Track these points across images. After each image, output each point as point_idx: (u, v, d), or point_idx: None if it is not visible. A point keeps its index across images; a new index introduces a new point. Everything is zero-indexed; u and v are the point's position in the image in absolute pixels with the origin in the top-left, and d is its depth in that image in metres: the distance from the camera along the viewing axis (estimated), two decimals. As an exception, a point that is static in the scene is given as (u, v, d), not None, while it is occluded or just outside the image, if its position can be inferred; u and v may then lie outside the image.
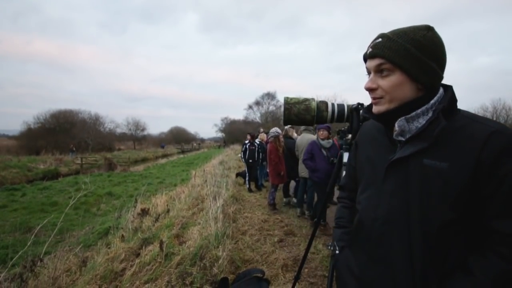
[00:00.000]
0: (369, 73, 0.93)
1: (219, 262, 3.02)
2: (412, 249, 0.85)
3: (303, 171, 5.12)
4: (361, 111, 1.09)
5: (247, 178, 8.33)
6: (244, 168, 8.97)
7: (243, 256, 3.52)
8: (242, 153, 8.46)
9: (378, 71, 0.88)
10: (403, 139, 0.90)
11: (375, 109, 0.92)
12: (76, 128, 38.49)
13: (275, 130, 5.96)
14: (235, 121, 59.99)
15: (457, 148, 0.81)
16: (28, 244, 3.00)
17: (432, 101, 0.87)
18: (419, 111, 0.87)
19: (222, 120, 64.21)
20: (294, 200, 6.20)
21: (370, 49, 0.89)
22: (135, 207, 5.81)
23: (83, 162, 24.03)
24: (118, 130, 52.27)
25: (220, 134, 66.80)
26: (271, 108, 52.38)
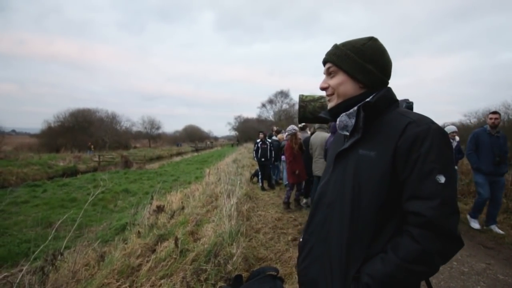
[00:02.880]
0: None
1: (233, 259, 3.04)
2: (342, 230, 0.96)
3: (317, 169, 5.08)
4: (321, 113, 1.19)
5: (260, 177, 8.34)
6: (257, 166, 8.98)
7: (257, 254, 3.53)
8: (254, 152, 8.46)
9: (328, 73, 1.07)
10: (347, 133, 1.05)
11: (329, 105, 1.09)
12: (93, 126, 39.43)
13: (291, 127, 5.88)
14: (249, 120, 60.05)
15: (383, 138, 0.93)
16: (49, 238, 3.09)
17: (368, 99, 0.98)
18: (355, 107, 1.00)
19: (236, 118, 64.42)
20: (304, 200, 6.18)
21: (324, 56, 1.09)
22: (150, 204, 5.91)
23: (101, 160, 24.60)
24: (134, 129, 53.28)
25: (233, 133, 67.05)
26: (285, 106, 52.16)
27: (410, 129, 0.89)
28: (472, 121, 20.65)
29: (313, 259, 1.06)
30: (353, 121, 1.01)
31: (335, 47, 1.06)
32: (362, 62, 1.00)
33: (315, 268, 1.04)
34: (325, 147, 4.64)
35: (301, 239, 1.25)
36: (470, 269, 3.28)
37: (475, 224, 4.63)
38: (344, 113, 1.03)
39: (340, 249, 0.96)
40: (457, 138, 5.69)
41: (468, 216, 4.79)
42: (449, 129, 5.55)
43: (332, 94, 1.06)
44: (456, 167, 5.69)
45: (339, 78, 1.03)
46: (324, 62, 1.09)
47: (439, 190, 0.85)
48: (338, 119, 1.04)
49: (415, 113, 0.96)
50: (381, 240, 0.92)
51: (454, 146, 5.46)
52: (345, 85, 1.03)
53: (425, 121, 0.90)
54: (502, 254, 3.71)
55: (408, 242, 0.85)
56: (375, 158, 0.93)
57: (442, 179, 0.85)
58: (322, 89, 1.09)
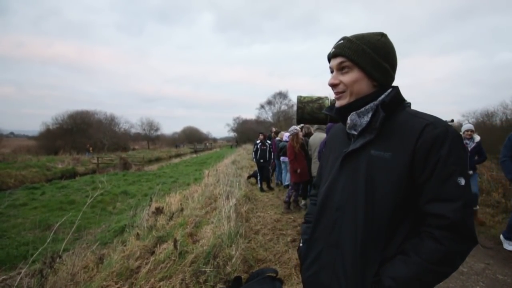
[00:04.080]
0: (332, 71, 1.02)
1: (232, 261, 3.04)
2: (357, 233, 0.93)
3: (315, 170, 5.08)
4: (323, 110, 1.15)
5: (258, 178, 8.34)
6: (255, 168, 8.98)
7: (256, 256, 3.52)
8: (253, 153, 8.47)
9: (339, 68, 0.99)
10: (355, 133, 1.01)
11: (338, 103, 1.02)
12: (92, 128, 39.35)
13: (293, 128, 5.99)
14: (247, 121, 60.09)
15: (398, 140, 0.91)
16: (48, 241, 3.08)
17: (380, 98, 0.97)
18: (367, 106, 0.97)
19: (234, 119, 64.40)
20: (303, 202, 6.17)
21: (333, 49, 1.00)
22: (149, 205, 5.90)
23: (99, 162, 24.50)
24: (133, 130, 53.22)
25: (232, 134, 67.04)
26: (283, 107, 52.20)
27: (429, 131, 0.87)
28: (470, 121, 20.71)
29: (323, 265, 1.02)
30: (364, 120, 0.98)
31: (348, 40, 0.98)
32: (379, 59, 0.96)
33: (326, 274, 1.00)
34: (320, 149, 4.64)
35: (300, 244, 1.21)
36: (469, 269, 3.28)
37: (509, 247, 3.89)
38: (354, 112, 0.99)
39: (355, 253, 0.93)
40: (477, 137, 4.84)
41: (502, 237, 4.05)
42: (466, 127, 4.90)
43: (343, 91, 0.99)
44: (471, 171, 4.70)
45: (355, 75, 0.96)
46: (334, 56, 1.00)
47: (461, 192, 0.85)
48: (348, 118, 1.00)
49: (428, 114, 0.95)
50: (395, 242, 0.91)
51: (472, 147, 4.76)
52: (361, 83, 0.97)
53: (442, 123, 0.90)
54: (501, 254, 3.71)
55: (431, 244, 0.85)
56: (391, 159, 0.90)
57: (462, 181, 0.86)
58: (333, 85, 1.01)
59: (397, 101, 0.98)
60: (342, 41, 0.99)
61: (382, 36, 0.99)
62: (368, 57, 0.95)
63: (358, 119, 0.99)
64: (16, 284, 2.56)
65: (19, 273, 2.95)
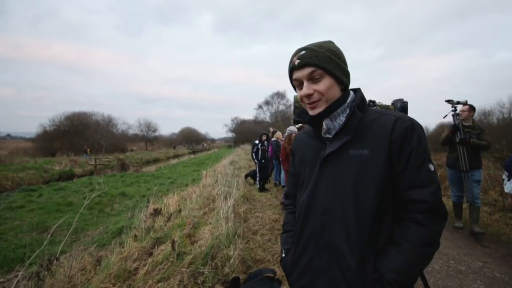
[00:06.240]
0: (299, 84, 1.02)
1: (231, 261, 3.03)
2: (350, 233, 0.94)
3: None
4: (293, 117, 1.17)
5: (257, 178, 8.33)
6: (253, 167, 8.97)
7: (254, 256, 3.51)
8: (254, 153, 8.44)
9: (310, 78, 0.99)
10: (330, 136, 1.04)
11: (313, 112, 1.02)
12: (90, 129, 39.18)
13: (289, 128, 6.02)
14: (245, 121, 60.23)
15: (373, 136, 0.96)
16: (45, 243, 3.06)
17: (348, 101, 1.02)
18: (338, 110, 1.01)
19: (232, 120, 64.55)
20: None
21: (298, 61, 0.99)
22: (147, 207, 5.88)
23: (97, 163, 24.43)
24: (131, 131, 53.06)
25: (230, 134, 67.08)
26: (281, 107, 52.35)
27: (399, 125, 0.94)
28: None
29: (318, 272, 1.00)
30: (336, 123, 1.02)
31: (311, 50, 0.99)
32: (342, 64, 1.01)
33: (323, 280, 0.99)
34: None
35: (283, 255, 1.19)
36: (467, 268, 3.29)
37: None
38: (327, 117, 1.02)
39: (351, 253, 0.93)
40: None
41: None
42: None
43: (319, 100, 0.99)
44: None
45: (327, 82, 0.98)
46: (301, 67, 0.99)
47: (432, 177, 0.94)
48: (324, 123, 1.03)
49: (393, 111, 1.05)
50: (384, 233, 0.95)
51: None
52: (333, 89, 1.00)
53: (407, 117, 0.98)
54: (499, 252, 3.73)
55: (417, 228, 0.91)
56: (370, 155, 0.95)
57: (432, 167, 0.95)
58: (307, 95, 0.99)
59: (364, 101, 1.05)
60: (304, 52, 1.00)
61: (332, 43, 1.05)
62: (334, 63, 0.99)
63: (331, 123, 1.03)
64: (13, 287, 2.54)
65: (16, 276, 2.93)
